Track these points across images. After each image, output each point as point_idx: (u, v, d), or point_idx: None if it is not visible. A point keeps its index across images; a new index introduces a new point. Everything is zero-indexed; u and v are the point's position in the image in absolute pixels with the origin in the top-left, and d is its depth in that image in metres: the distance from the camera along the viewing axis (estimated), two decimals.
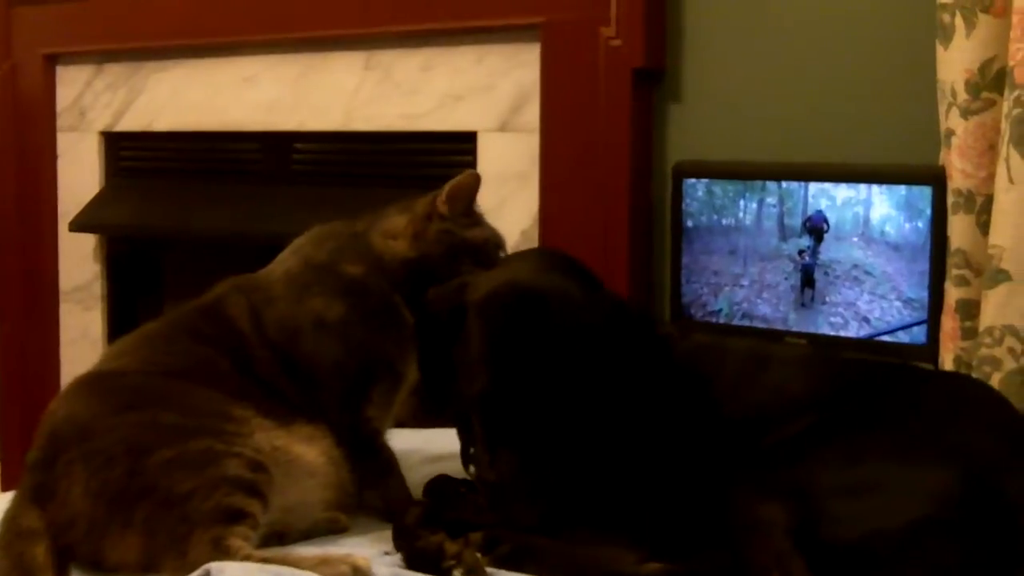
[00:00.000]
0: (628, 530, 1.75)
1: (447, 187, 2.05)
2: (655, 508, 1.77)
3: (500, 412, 1.77)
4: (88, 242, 3.98)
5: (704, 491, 1.70)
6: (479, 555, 1.70)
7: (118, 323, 3.94)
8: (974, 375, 2.13)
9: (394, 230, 2.04)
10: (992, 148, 2.15)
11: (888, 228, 2.27)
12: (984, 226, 2.16)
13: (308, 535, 1.88)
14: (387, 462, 2.01)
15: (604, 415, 1.79)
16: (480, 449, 1.83)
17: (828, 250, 2.35)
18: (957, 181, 2.19)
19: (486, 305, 1.80)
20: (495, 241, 2.06)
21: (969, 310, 2.19)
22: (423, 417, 2.14)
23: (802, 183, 2.38)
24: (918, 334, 2.25)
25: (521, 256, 1.99)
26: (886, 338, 2.28)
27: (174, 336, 1.98)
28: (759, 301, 2.46)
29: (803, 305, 2.39)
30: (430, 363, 1.93)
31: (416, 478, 2.02)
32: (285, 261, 2.07)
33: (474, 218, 2.06)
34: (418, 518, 1.81)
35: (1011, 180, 2.08)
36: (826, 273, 2.36)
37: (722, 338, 2.02)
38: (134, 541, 1.70)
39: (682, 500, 1.75)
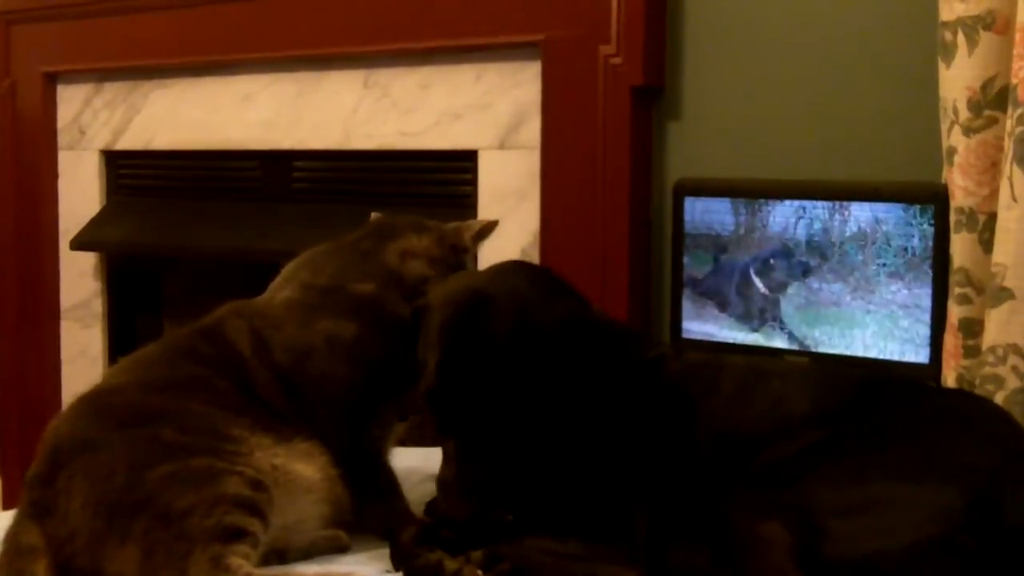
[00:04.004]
0: (624, 547, 1.75)
1: (477, 226, 2.16)
2: (650, 524, 1.76)
3: (445, 407, 1.82)
4: (88, 260, 3.99)
5: (703, 508, 1.69)
6: (479, 573, 1.71)
7: (117, 341, 3.95)
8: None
9: (413, 250, 2.08)
10: (994, 166, 2.15)
11: (891, 246, 2.27)
12: (987, 244, 2.15)
13: (308, 553, 1.88)
14: (388, 481, 2.01)
15: (557, 419, 1.81)
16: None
17: (830, 268, 2.34)
18: (959, 199, 2.18)
19: (439, 304, 1.86)
20: None
21: (972, 328, 2.18)
22: (420, 435, 2.15)
23: (803, 201, 2.38)
24: (921, 353, 2.24)
25: (493, 266, 2.01)
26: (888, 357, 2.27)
27: (174, 357, 1.99)
28: None
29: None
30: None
31: (416, 496, 2.02)
32: (281, 289, 2.08)
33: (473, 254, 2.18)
34: (416, 536, 1.82)
35: (1014, 198, 2.08)
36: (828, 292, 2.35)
37: (719, 356, 2.02)
38: (132, 554, 1.70)
39: (679, 517, 1.74)
